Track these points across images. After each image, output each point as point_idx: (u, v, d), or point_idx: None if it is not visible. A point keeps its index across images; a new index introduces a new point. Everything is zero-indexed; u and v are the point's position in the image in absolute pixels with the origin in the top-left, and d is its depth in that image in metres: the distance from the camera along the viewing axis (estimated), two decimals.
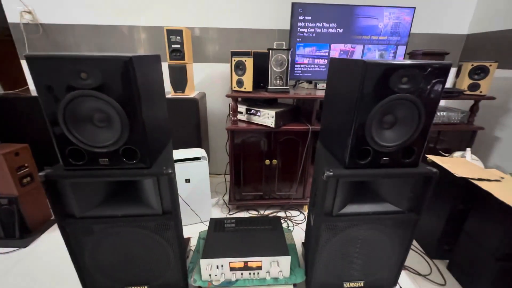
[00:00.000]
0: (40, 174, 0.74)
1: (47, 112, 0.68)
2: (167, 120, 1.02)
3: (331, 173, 0.79)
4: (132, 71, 0.66)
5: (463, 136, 1.62)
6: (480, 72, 1.48)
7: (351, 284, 1.03)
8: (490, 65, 1.45)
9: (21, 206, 1.36)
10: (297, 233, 1.50)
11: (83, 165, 0.76)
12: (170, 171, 0.79)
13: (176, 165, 1.36)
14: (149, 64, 0.80)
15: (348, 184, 0.88)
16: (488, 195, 1.02)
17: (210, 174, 1.89)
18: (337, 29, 1.57)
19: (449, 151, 1.63)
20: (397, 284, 1.18)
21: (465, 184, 1.14)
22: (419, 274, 1.24)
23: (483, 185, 1.05)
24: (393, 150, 0.80)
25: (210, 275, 0.96)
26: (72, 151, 0.74)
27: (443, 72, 0.70)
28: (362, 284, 1.04)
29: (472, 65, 1.48)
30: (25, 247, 1.34)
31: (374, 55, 1.65)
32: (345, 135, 0.80)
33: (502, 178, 1.11)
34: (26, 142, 1.42)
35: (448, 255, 1.30)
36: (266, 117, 1.45)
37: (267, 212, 1.71)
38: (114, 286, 0.97)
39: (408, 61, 0.69)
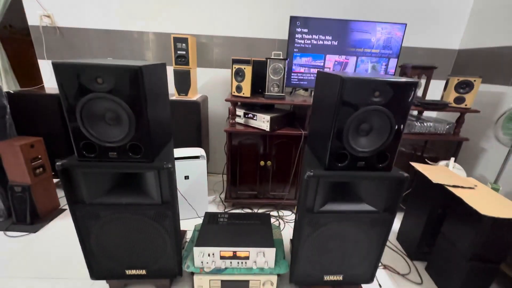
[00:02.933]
0: (57, 163, 0.85)
1: (67, 111, 0.79)
2: (170, 120, 1.13)
3: (312, 173, 0.89)
4: (141, 78, 0.78)
5: (449, 146, 1.70)
6: (465, 87, 1.57)
7: (331, 277, 1.12)
8: (475, 80, 1.54)
9: (33, 194, 1.48)
10: (288, 232, 1.60)
11: (95, 157, 0.87)
12: (169, 166, 0.90)
13: (177, 162, 1.47)
14: (156, 71, 0.91)
15: (328, 184, 0.98)
16: (460, 201, 1.11)
17: (209, 173, 1.99)
18: (332, 41, 1.68)
19: (436, 160, 1.72)
20: (376, 281, 1.27)
21: (443, 190, 1.23)
22: (398, 273, 1.32)
23: (457, 191, 1.14)
24: (368, 155, 0.90)
25: (202, 262, 1.07)
26: (86, 145, 0.85)
27: (410, 88, 0.80)
28: (341, 278, 1.12)
29: (458, 79, 1.57)
30: (35, 232, 1.45)
31: (367, 67, 1.75)
32: (326, 141, 0.90)
33: (476, 186, 1.20)
34: (39, 135, 1.54)
35: (427, 257, 1.39)
36: (262, 121, 1.56)
37: (260, 210, 1.81)
38: (116, 268, 1.07)
39: (380, 78, 0.79)
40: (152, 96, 0.87)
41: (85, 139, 0.84)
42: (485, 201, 1.08)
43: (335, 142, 0.87)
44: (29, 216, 1.48)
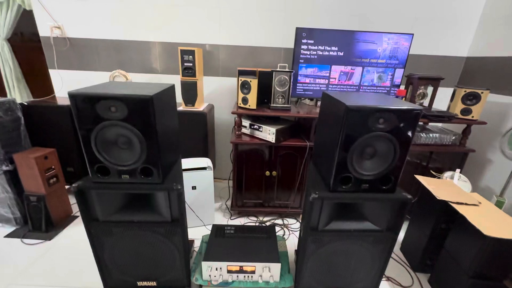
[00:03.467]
0: (73, 185, 0.90)
1: (83, 137, 0.83)
2: (178, 137, 1.16)
3: (317, 196, 0.92)
4: (152, 107, 0.81)
5: (454, 157, 1.70)
6: (472, 98, 1.56)
7: None
8: (482, 93, 1.53)
9: (47, 203, 1.54)
10: (293, 240, 1.63)
11: (108, 179, 0.91)
12: (179, 187, 0.93)
13: (184, 173, 1.51)
14: (166, 95, 0.94)
15: (333, 204, 1.00)
16: (464, 219, 1.12)
17: (215, 178, 2.02)
18: (338, 52, 1.68)
19: (441, 170, 1.72)
20: None
21: (446, 206, 1.24)
22: (401, 285, 1.35)
23: (460, 208, 1.15)
24: (372, 178, 0.92)
25: (210, 275, 1.11)
26: (100, 168, 0.89)
27: (414, 116, 0.81)
28: None
29: (465, 91, 1.56)
30: (50, 239, 1.52)
31: (372, 77, 1.75)
32: (330, 163, 0.92)
33: (480, 203, 1.21)
34: (51, 145, 1.60)
35: (430, 270, 1.40)
36: (268, 133, 1.58)
37: (266, 218, 1.84)
38: (128, 280, 1.12)
39: (385, 106, 0.81)
40: (162, 120, 0.90)
41: (99, 163, 0.88)
42: (489, 220, 1.09)
43: (339, 165, 0.89)
44: (44, 224, 1.55)
